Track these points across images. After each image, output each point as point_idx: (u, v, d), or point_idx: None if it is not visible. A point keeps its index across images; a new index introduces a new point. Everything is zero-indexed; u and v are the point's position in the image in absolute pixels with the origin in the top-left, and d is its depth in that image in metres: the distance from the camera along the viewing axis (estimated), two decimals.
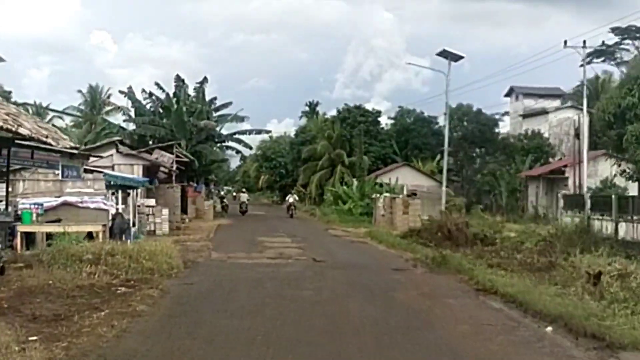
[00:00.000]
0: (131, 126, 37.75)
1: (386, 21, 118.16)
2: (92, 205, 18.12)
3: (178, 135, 34.44)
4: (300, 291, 10.39)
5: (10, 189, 14.91)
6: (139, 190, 23.55)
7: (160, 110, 36.83)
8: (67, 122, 46.70)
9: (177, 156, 30.55)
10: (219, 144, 38.87)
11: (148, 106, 37.35)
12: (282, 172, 56.22)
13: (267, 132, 43.90)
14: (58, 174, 20.64)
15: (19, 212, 15.84)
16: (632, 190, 30.88)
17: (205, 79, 38.22)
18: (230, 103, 39.13)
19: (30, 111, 41.79)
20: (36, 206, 16.71)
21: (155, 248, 13.10)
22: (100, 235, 15.78)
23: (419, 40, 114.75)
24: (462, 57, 28.26)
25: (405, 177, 38.21)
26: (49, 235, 15.24)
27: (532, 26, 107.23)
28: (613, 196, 21.46)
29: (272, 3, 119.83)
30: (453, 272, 12.92)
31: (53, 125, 39.86)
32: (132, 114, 37.84)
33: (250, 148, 40.99)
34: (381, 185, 35.56)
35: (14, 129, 8.38)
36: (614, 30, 48.53)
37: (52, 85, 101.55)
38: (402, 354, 6.58)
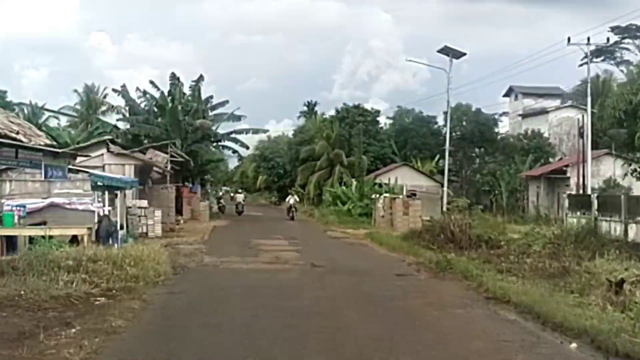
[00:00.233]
0: (125, 125, 36.84)
1: (384, 22, 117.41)
2: (80, 207, 17.30)
3: (173, 135, 33.55)
4: (297, 301, 9.55)
5: None
6: (131, 191, 22.71)
7: (155, 109, 35.92)
8: (63, 122, 45.97)
9: (171, 156, 29.66)
10: (215, 144, 37.93)
11: (142, 105, 36.46)
12: (280, 173, 55.40)
13: (265, 131, 43.11)
14: (52, 175, 19.90)
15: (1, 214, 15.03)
16: (637, 189, 30.18)
17: (201, 77, 37.38)
18: (227, 102, 38.29)
19: (26, 111, 41.13)
20: (18, 208, 15.86)
21: (142, 253, 12.28)
22: (86, 239, 14.94)
23: (417, 41, 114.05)
24: (464, 54, 27.52)
25: (404, 178, 37.47)
26: (32, 239, 14.42)
27: (529, 27, 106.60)
28: (622, 196, 20.66)
29: (271, 4, 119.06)
30: (459, 277, 12.11)
31: (46, 125, 39.35)
32: (127, 113, 36.94)
33: (247, 148, 40.14)
34: (380, 185, 34.81)
35: None
36: (614, 29, 47.89)
37: (50, 85, 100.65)
38: None
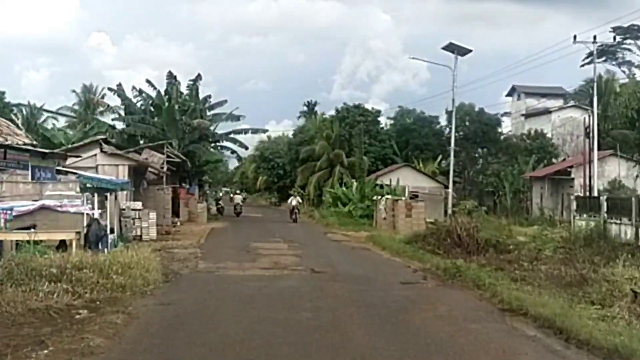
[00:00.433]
0: (121, 125, 36.08)
1: (384, 23, 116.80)
2: (72, 210, 16.54)
3: (170, 135, 32.76)
4: (295, 313, 8.79)
5: None
6: (125, 193, 21.98)
7: (152, 109, 35.14)
8: (62, 122, 45.38)
9: (168, 156, 28.89)
10: (213, 144, 37.11)
11: (139, 104, 35.69)
12: (280, 173, 54.70)
13: (264, 131, 42.35)
14: (40, 176, 19.12)
15: None
16: None
17: (199, 76, 36.57)
18: (225, 101, 37.50)
19: (24, 112, 40.63)
20: (5, 211, 15.09)
21: (131, 259, 11.52)
22: (74, 244, 14.18)
23: (417, 41, 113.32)
24: (470, 51, 26.73)
25: (406, 178, 36.73)
26: (19, 244, 13.67)
27: (529, 27, 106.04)
28: (633, 199, 19.92)
29: (270, 5, 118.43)
30: (470, 286, 11.34)
31: (41, 126, 38.65)
32: (123, 112, 36.18)
33: (246, 148, 39.38)
34: (381, 186, 34.07)
35: None
36: (616, 29, 47.28)
37: (50, 86, 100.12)
38: None
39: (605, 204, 21.72)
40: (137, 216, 21.64)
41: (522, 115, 51.13)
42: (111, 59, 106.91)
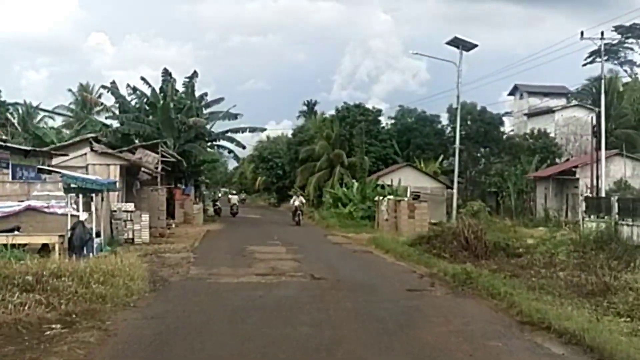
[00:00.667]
0: (116, 124, 35.10)
1: (383, 23, 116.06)
2: (59, 211, 15.62)
3: (165, 134, 31.80)
4: (293, 328, 7.86)
5: None
6: (116, 194, 21.09)
7: (146, 107, 34.16)
8: (58, 122, 44.57)
9: (162, 156, 27.95)
10: (209, 143, 36.13)
11: (133, 102, 34.73)
12: (279, 173, 53.86)
13: (262, 130, 41.40)
14: (22, 175, 18.18)
15: None
16: None
17: (195, 73, 35.59)
18: (222, 99, 36.48)
19: (20, 111, 39.89)
20: None
21: (115, 266, 10.60)
22: (57, 248, 13.28)
23: (417, 42, 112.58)
24: (475, 46, 25.80)
25: (407, 179, 35.90)
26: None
27: (529, 28, 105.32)
28: None
29: (270, 5, 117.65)
30: (483, 295, 10.42)
31: (33, 124, 37.81)
32: (117, 110, 35.24)
33: (244, 147, 38.41)
34: (383, 187, 33.23)
35: None
36: (617, 28, 46.59)
37: (49, 86, 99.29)
38: None
39: (616, 205, 20.89)
40: (128, 218, 20.73)
41: (525, 114, 50.34)
42: (110, 59, 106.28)
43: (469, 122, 45.63)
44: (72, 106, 45.29)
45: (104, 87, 36.07)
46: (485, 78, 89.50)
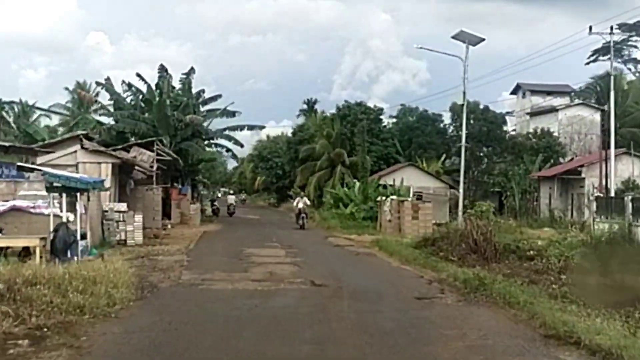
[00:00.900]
0: (110, 121, 34.19)
1: (383, 22, 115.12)
2: (46, 212, 14.77)
3: (161, 131, 30.86)
4: (291, 346, 6.97)
5: None
6: (108, 193, 20.22)
7: (142, 104, 33.23)
8: (55, 120, 43.83)
9: (158, 154, 27.02)
10: (206, 141, 35.19)
11: (129, 99, 33.81)
12: (279, 173, 52.96)
13: (261, 127, 40.45)
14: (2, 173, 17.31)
15: None
16: None
17: (192, 70, 34.66)
18: (220, 96, 35.52)
19: (16, 109, 39.18)
20: None
21: (97, 272, 9.71)
22: (38, 251, 12.41)
23: (417, 42, 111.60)
24: (482, 40, 24.82)
25: (409, 178, 35.09)
26: None
27: (529, 27, 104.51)
28: None
29: (269, 4, 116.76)
30: (500, 304, 9.53)
31: (25, 123, 37.05)
32: (111, 107, 34.33)
33: (242, 146, 37.46)
34: (385, 186, 32.36)
35: None
36: (621, 26, 45.83)
37: (48, 86, 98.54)
38: None
39: (630, 205, 20.07)
40: (121, 219, 19.85)
41: (527, 113, 49.54)
42: (109, 58, 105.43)
43: (471, 121, 44.78)
44: (69, 105, 44.57)
45: (98, 83, 35.20)
46: (485, 77, 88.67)
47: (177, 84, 34.21)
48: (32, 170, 14.17)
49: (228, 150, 36.84)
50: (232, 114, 34.56)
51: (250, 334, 7.52)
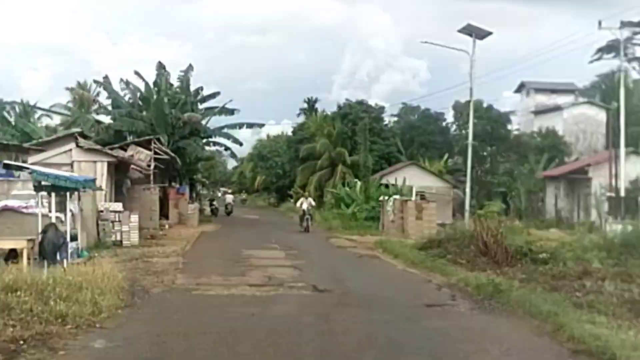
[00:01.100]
0: (108, 120, 33.48)
1: (384, 22, 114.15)
2: (38, 212, 14.08)
3: (158, 130, 30.15)
4: None
5: None
6: (104, 193, 19.57)
7: (140, 102, 32.52)
8: (56, 120, 43.19)
9: (155, 153, 26.34)
10: (205, 140, 34.47)
11: (126, 97, 33.11)
12: (279, 173, 52.26)
13: (260, 125, 39.66)
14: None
15: None
16: None
17: (190, 67, 33.90)
18: (218, 93, 34.73)
19: (17, 109, 38.62)
20: None
21: (84, 277, 9.01)
22: (25, 254, 11.71)
23: (417, 42, 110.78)
24: (490, 33, 24.04)
25: (412, 178, 34.33)
26: None
27: (530, 27, 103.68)
28: None
29: (269, 4, 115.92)
30: (519, 313, 8.80)
31: (22, 122, 36.44)
32: (109, 106, 33.63)
33: (241, 144, 36.71)
34: (387, 186, 31.67)
35: None
36: (626, 24, 45.15)
37: (50, 87, 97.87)
38: None
39: None
40: (117, 219, 19.19)
41: (532, 112, 48.85)
42: (111, 58, 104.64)
43: (475, 120, 44.12)
44: (70, 104, 44.07)
45: (96, 82, 34.48)
46: (488, 75, 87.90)
47: (175, 82, 33.50)
48: (20, 168, 13.45)
49: (227, 149, 36.15)
50: (231, 111, 33.85)
51: (245, 348, 6.79)
